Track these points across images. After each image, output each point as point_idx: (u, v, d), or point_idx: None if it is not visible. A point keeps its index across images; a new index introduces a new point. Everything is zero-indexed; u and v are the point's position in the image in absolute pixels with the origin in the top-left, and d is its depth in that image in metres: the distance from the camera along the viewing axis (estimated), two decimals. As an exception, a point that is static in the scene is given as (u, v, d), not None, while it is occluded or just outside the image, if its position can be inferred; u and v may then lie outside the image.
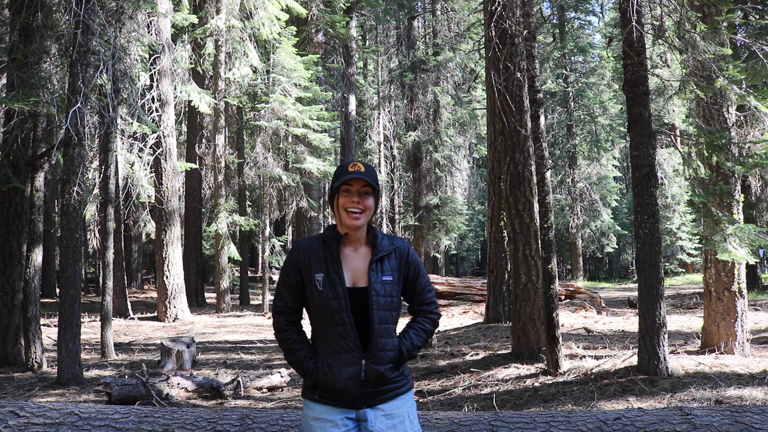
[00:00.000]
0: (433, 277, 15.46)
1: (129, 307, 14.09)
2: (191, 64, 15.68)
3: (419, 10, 23.92)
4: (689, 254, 26.08)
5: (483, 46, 8.76)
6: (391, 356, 2.18)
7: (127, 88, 8.33)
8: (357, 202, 2.16)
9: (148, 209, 16.57)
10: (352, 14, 17.86)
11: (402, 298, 2.33)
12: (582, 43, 23.98)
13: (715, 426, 3.15)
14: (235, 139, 18.43)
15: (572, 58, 25.40)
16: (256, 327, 12.13)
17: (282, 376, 6.32)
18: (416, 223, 21.50)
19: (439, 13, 21.87)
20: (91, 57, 6.75)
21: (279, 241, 17.16)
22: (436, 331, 2.44)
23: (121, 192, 13.11)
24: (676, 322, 10.30)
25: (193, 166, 15.89)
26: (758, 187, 12.70)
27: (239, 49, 14.23)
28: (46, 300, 14.87)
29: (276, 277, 19.65)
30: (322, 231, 2.36)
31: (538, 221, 6.51)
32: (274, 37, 14.27)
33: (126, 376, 6.17)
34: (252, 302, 18.49)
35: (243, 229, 17.62)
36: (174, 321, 13.24)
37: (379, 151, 23.08)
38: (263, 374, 6.29)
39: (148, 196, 13.53)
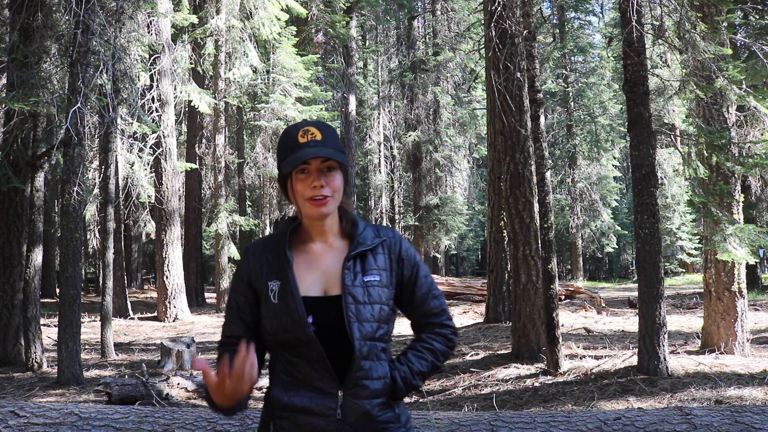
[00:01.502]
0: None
1: (129, 307, 14.09)
2: (191, 64, 15.68)
3: (419, 10, 23.93)
4: (689, 254, 26.07)
5: (483, 46, 8.76)
6: (380, 387, 1.55)
7: (127, 88, 8.33)
8: (321, 186, 1.54)
9: (148, 209, 16.57)
10: (352, 14, 17.86)
11: (398, 309, 1.70)
12: (582, 43, 23.99)
13: (715, 426, 3.15)
14: (235, 139, 18.43)
15: (572, 58, 25.40)
16: (256, 327, 12.12)
17: (282, 376, 6.31)
18: (416, 223, 21.50)
19: (439, 13, 21.87)
20: (91, 57, 6.75)
21: (279, 241, 17.14)
22: (451, 353, 1.71)
23: (121, 192, 13.11)
24: (676, 322, 10.30)
25: (193, 166, 15.89)
26: (758, 187, 12.70)
27: (239, 49, 14.22)
28: (46, 300, 14.86)
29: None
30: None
31: (538, 221, 6.51)
32: (274, 37, 14.27)
33: (126, 376, 6.17)
34: (252, 302, 18.46)
35: (243, 229, 17.64)
36: (174, 321, 13.24)
37: (379, 151, 23.09)
38: (263, 374, 6.28)
39: (148, 196, 13.53)
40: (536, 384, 5.68)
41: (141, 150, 13.22)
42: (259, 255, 1.63)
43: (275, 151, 15.65)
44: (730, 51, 5.86)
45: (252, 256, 1.63)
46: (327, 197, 1.55)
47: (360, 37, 22.50)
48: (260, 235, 17.48)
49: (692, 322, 10.17)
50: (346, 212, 1.66)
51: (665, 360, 5.53)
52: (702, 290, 8.02)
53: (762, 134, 6.67)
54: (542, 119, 6.24)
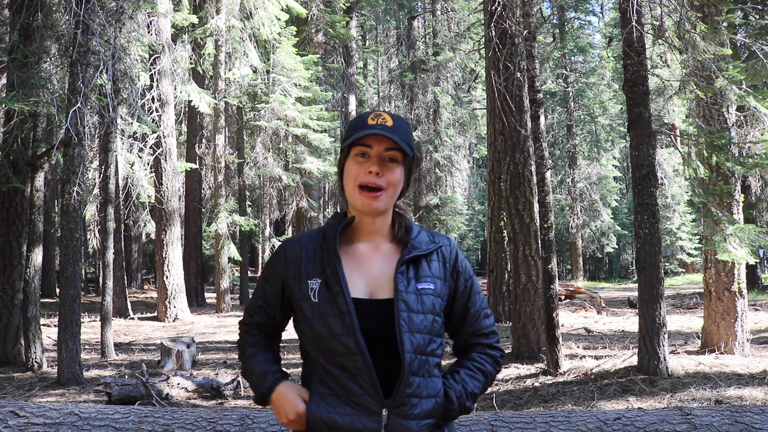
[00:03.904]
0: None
1: (129, 307, 14.09)
2: (191, 64, 15.68)
3: (419, 10, 23.92)
4: (689, 254, 26.09)
5: (483, 46, 8.76)
6: (431, 406, 1.42)
7: (127, 88, 8.33)
8: (376, 174, 1.41)
9: (148, 209, 16.58)
10: (352, 14, 17.87)
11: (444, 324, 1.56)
12: (582, 43, 24.00)
13: (715, 426, 3.15)
14: (235, 139, 18.43)
15: (572, 58, 25.41)
16: (256, 327, 12.11)
17: (282, 376, 6.31)
18: (416, 224, 21.50)
19: (439, 13, 21.86)
20: (91, 57, 6.75)
21: (279, 241, 17.17)
22: (495, 377, 1.61)
23: (121, 192, 13.11)
24: (676, 322, 10.31)
25: (193, 166, 15.90)
26: (758, 187, 12.71)
27: (239, 49, 14.23)
28: (46, 300, 14.87)
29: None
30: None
31: (538, 221, 6.51)
32: (274, 37, 14.27)
33: (126, 376, 6.17)
34: (252, 302, 18.46)
35: (243, 229, 17.63)
36: (174, 321, 13.24)
37: (379, 151, 23.04)
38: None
39: (148, 196, 13.53)
40: (536, 384, 5.68)
41: (141, 150, 13.22)
42: (298, 249, 1.49)
43: (275, 151, 15.70)
44: (730, 51, 5.87)
45: (290, 249, 1.50)
46: (381, 189, 1.42)
47: (360, 37, 22.52)
48: (260, 235, 17.49)
49: (692, 322, 10.17)
50: (402, 217, 1.55)
51: (665, 360, 5.53)
52: (702, 290, 8.02)
53: (762, 134, 6.67)
54: (542, 119, 6.24)
